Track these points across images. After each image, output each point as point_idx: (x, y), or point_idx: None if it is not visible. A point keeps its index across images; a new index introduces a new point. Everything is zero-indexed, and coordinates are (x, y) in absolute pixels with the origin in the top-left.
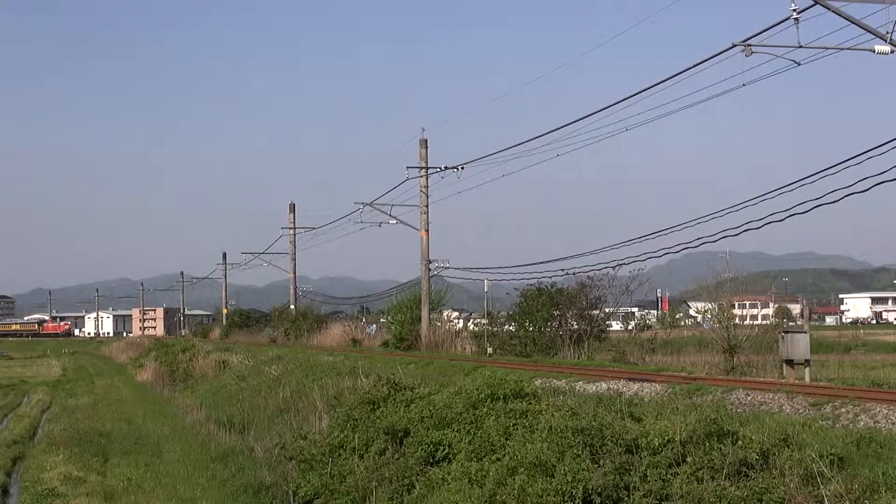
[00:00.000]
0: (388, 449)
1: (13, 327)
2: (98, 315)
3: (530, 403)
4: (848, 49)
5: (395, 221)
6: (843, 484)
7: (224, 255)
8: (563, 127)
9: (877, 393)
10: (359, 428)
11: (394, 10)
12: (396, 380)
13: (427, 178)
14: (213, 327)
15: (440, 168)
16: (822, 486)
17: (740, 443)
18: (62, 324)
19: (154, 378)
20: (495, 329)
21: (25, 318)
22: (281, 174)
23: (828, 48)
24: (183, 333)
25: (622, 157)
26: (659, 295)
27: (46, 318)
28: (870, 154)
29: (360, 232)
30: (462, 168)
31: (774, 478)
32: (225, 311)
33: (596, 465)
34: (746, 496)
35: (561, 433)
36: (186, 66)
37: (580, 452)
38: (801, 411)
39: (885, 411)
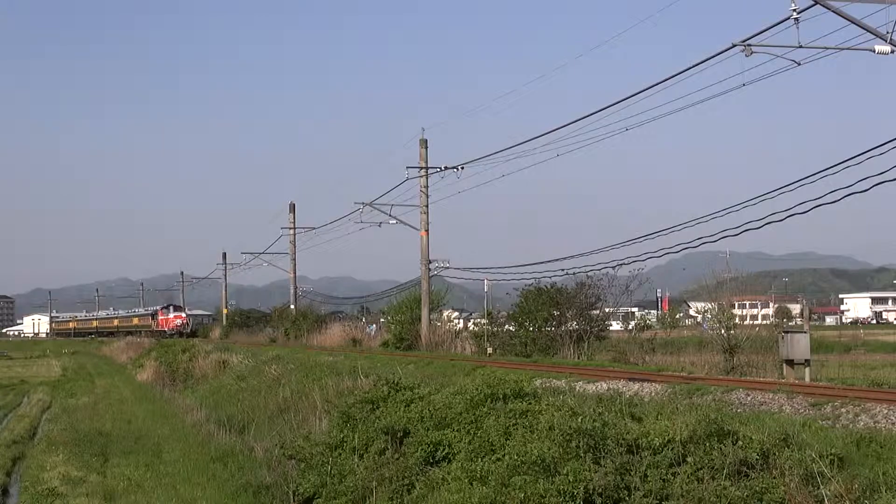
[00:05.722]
0: (387, 449)
1: (134, 321)
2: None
3: (530, 403)
4: (848, 49)
5: (394, 221)
6: (843, 484)
7: (224, 255)
8: (563, 127)
9: (877, 393)
10: (358, 428)
11: (394, 11)
12: (396, 380)
13: (427, 178)
14: (213, 327)
15: (440, 168)
16: (822, 486)
17: (740, 443)
18: (172, 316)
19: (154, 378)
20: (495, 329)
21: (134, 310)
22: (281, 174)
23: (828, 48)
24: None
25: (622, 157)
26: (659, 295)
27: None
28: (870, 154)
29: (359, 232)
30: (462, 168)
31: (774, 478)
32: (225, 311)
33: (597, 466)
34: (746, 496)
35: (564, 434)
36: (183, 67)
37: (582, 453)
38: (801, 411)
39: (885, 411)
